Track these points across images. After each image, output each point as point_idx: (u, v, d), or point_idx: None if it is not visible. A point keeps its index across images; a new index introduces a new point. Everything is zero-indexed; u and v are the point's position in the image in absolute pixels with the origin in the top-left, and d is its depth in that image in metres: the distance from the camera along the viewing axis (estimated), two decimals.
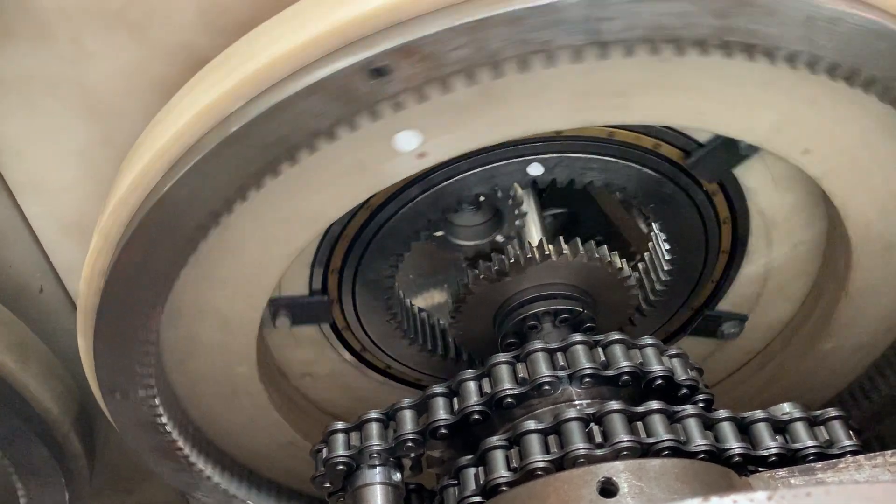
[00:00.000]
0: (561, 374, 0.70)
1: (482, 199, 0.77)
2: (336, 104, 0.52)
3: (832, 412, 0.71)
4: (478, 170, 0.73)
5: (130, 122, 0.63)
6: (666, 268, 0.87)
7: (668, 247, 0.85)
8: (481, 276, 0.82)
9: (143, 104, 0.63)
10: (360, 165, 0.63)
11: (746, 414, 0.70)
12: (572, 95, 0.63)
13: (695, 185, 0.77)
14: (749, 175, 0.77)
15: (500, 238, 0.88)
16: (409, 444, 0.72)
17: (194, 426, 0.82)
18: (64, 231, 0.73)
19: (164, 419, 0.72)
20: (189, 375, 0.78)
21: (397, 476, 0.74)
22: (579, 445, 0.64)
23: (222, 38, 0.58)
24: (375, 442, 0.72)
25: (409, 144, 0.63)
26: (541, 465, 0.64)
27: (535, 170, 0.75)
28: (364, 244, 0.76)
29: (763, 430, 0.69)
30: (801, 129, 0.66)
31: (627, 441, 0.64)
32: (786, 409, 0.72)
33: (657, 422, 0.66)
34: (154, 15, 0.59)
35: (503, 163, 0.74)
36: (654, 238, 0.89)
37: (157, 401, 0.70)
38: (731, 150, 0.74)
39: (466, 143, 0.66)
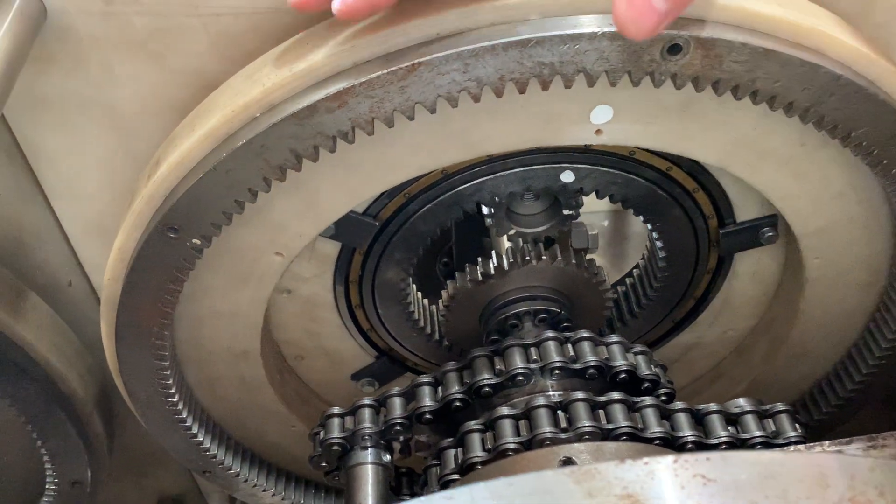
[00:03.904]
0: (533, 366, 0.78)
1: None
2: (621, 57, 0.58)
3: (780, 406, 0.78)
4: (517, 169, 0.79)
5: (149, 137, 0.71)
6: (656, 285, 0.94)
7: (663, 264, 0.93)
8: (468, 278, 0.90)
9: (161, 122, 0.70)
10: (545, 117, 0.68)
11: (701, 406, 0.77)
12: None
13: (697, 210, 0.85)
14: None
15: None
16: (398, 427, 0.80)
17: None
18: (90, 231, 0.81)
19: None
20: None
21: (387, 457, 0.82)
22: (546, 429, 0.71)
23: (231, 65, 0.66)
24: (367, 425, 0.80)
25: (600, 118, 0.69)
26: (511, 445, 0.71)
27: (567, 177, 0.81)
28: (393, 232, 0.82)
29: (716, 420, 0.76)
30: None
31: (589, 426, 0.71)
32: (739, 402, 0.79)
33: (617, 410, 0.74)
34: (173, 45, 0.66)
35: (540, 167, 0.79)
36: (649, 254, 0.97)
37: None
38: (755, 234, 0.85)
39: (639, 139, 0.72)
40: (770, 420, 0.77)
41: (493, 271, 0.88)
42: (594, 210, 1.38)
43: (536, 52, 0.58)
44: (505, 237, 0.95)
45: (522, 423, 0.74)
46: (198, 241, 0.68)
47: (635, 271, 1.00)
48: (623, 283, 1.02)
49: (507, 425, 0.73)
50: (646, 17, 0.52)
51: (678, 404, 0.76)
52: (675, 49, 0.59)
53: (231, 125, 0.63)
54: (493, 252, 0.91)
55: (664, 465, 0.44)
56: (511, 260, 0.88)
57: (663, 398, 0.80)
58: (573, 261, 0.88)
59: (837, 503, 0.44)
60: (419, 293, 0.99)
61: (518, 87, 0.60)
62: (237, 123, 0.63)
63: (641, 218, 0.86)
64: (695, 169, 0.81)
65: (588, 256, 0.93)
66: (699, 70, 0.60)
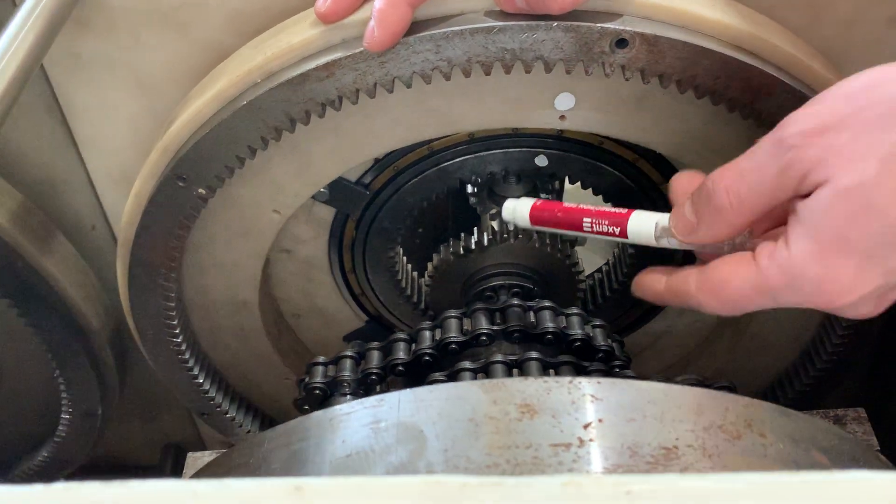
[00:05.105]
0: (496, 328, 0.86)
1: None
2: (574, 47, 0.66)
3: (722, 383, 0.85)
4: (496, 151, 0.88)
5: (169, 98, 0.80)
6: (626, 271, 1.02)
7: (632, 251, 1.00)
8: (451, 251, 0.98)
9: (180, 85, 0.79)
10: (513, 100, 0.75)
11: (647, 377, 0.84)
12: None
13: (663, 201, 0.91)
14: None
15: None
16: (373, 377, 0.88)
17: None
18: (114, 182, 0.91)
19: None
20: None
21: None
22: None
23: (243, 38, 0.76)
24: (347, 374, 0.89)
25: (563, 104, 0.76)
26: None
27: (542, 161, 0.89)
28: (383, 202, 0.91)
29: None
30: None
31: None
32: (685, 377, 0.86)
33: (566, 371, 0.82)
34: (193, 18, 0.76)
35: (517, 149, 0.88)
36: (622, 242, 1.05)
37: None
38: None
39: (599, 126, 0.79)
40: None
41: (473, 246, 0.96)
42: None
43: (499, 39, 0.67)
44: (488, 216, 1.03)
45: (480, 376, 0.82)
46: (203, 191, 0.77)
47: (610, 259, 1.07)
48: (600, 271, 1.09)
49: (466, 377, 0.82)
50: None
51: (626, 373, 0.84)
52: (622, 43, 0.67)
53: (236, 88, 0.72)
54: (476, 229, 0.99)
55: (559, 384, 0.52)
56: (490, 237, 0.96)
57: (616, 368, 0.88)
58: (547, 241, 0.96)
59: (707, 428, 0.52)
60: (409, 265, 1.07)
61: (483, 69, 0.69)
62: (241, 87, 0.72)
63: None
64: (660, 162, 0.88)
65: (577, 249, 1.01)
66: (645, 63, 0.68)
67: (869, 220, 0.50)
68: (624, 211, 0.71)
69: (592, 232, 0.73)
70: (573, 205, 0.76)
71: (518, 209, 0.78)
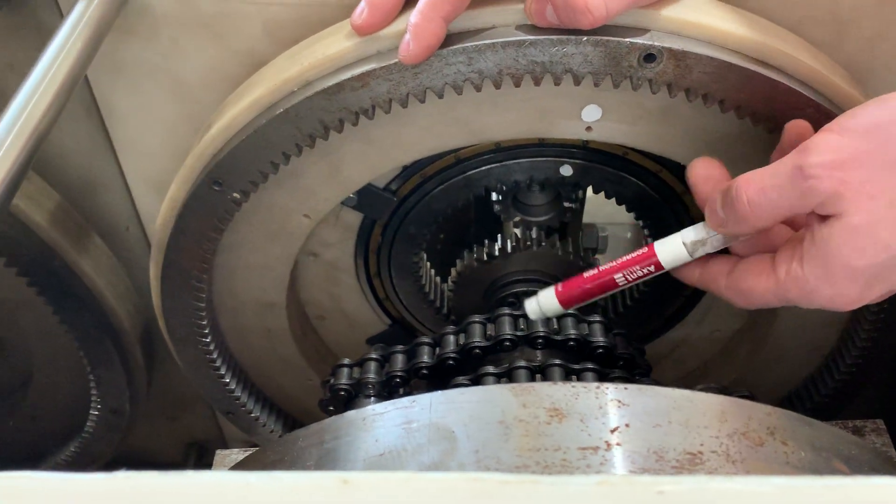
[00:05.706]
0: (519, 334, 0.88)
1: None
2: (603, 61, 0.68)
3: (741, 391, 0.86)
4: (521, 160, 0.89)
5: (206, 105, 0.82)
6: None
7: None
8: (474, 258, 1.00)
9: (216, 92, 0.82)
10: (540, 111, 0.77)
11: (667, 385, 0.86)
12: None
13: (685, 212, 0.93)
14: None
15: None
16: (397, 379, 0.90)
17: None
18: (149, 185, 0.94)
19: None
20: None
21: None
22: None
23: (279, 47, 0.78)
24: (371, 376, 0.91)
25: (590, 116, 0.78)
26: None
27: (566, 171, 0.90)
28: (409, 208, 0.93)
29: None
30: None
31: None
32: (704, 385, 0.87)
33: (588, 377, 0.83)
34: (232, 28, 0.78)
35: (542, 159, 0.89)
36: None
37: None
38: None
39: (625, 138, 0.81)
40: None
41: (497, 253, 0.98)
42: (618, 222, 1.47)
43: (530, 52, 0.68)
44: (511, 223, 1.05)
45: (504, 380, 0.83)
46: (237, 195, 0.80)
47: None
48: None
49: (490, 381, 0.83)
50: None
51: (644, 380, 0.85)
52: (650, 58, 0.69)
53: (272, 97, 0.74)
54: (500, 236, 1.01)
55: (587, 389, 0.54)
56: (513, 244, 0.98)
57: (637, 375, 0.89)
58: (570, 250, 0.98)
59: (731, 434, 0.53)
60: (432, 270, 1.09)
61: (514, 81, 0.71)
62: (277, 95, 0.74)
63: (634, 215, 0.95)
64: (683, 172, 0.90)
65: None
66: (672, 78, 0.70)
67: (875, 252, 0.57)
68: (644, 250, 0.76)
69: (629, 282, 0.78)
70: (593, 271, 0.80)
71: (542, 302, 0.82)
